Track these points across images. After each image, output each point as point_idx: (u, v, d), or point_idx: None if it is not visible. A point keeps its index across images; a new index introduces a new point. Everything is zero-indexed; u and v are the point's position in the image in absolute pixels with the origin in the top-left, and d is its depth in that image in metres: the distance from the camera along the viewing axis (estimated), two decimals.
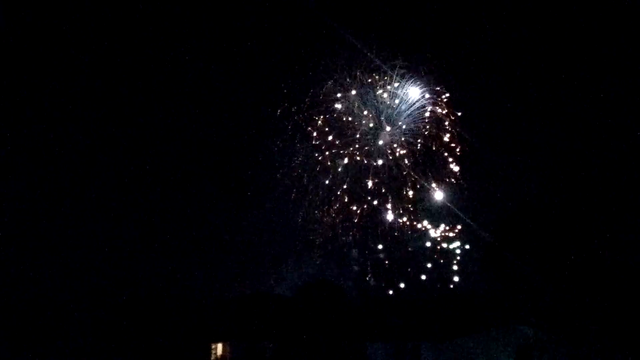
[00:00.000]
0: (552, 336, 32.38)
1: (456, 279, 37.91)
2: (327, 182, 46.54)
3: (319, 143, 46.26)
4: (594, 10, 37.26)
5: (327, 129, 46.74)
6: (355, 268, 45.34)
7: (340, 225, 46.39)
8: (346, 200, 46.93)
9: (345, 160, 47.16)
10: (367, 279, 44.46)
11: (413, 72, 44.78)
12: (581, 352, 31.54)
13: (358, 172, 47.22)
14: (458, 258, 39.83)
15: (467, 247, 38.75)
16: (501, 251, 34.94)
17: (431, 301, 36.63)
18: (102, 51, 40.12)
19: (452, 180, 42.84)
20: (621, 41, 36.65)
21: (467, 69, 41.96)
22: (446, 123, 44.53)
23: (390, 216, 44.51)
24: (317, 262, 43.54)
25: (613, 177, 33.33)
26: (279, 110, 44.56)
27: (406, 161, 45.72)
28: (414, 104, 45.42)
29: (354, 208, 46.34)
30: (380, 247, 45.01)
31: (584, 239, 32.58)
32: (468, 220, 38.45)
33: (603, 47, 37.04)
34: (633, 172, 32.83)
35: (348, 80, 45.85)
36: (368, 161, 47.23)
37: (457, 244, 40.07)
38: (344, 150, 47.10)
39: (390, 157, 46.11)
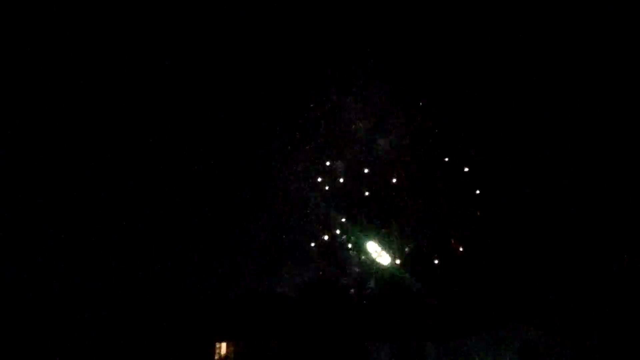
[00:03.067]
0: (556, 337, 32.46)
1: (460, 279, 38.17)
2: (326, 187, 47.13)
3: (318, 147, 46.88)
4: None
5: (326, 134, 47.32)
6: (356, 270, 45.63)
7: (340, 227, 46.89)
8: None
9: (343, 164, 47.80)
10: (368, 280, 44.76)
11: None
12: (584, 353, 31.64)
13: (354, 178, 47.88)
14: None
15: (471, 248, 39.04)
16: (505, 253, 35.17)
17: (435, 301, 36.78)
18: (108, 58, 40.41)
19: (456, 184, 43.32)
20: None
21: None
22: None
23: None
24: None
25: (619, 182, 33.60)
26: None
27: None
28: None
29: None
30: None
31: (588, 241, 32.78)
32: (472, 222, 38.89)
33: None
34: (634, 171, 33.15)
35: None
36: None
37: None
38: (342, 153, 47.66)
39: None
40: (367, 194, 46.77)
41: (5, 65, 36.94)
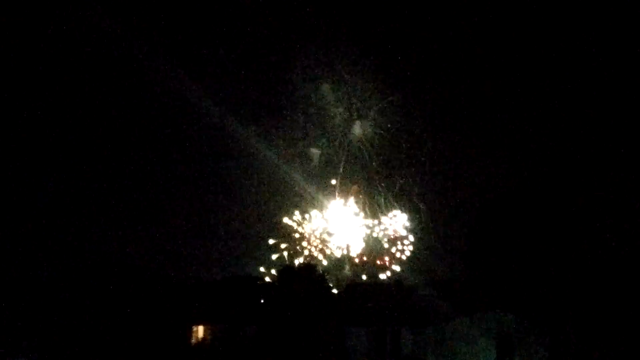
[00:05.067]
0: (533, 324, 32.90)
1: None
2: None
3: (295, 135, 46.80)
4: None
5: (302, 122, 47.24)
6: (332, 255, 45.77)
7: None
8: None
9: (319, 151, 47.77)
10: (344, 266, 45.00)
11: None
12: (560, 338, 32.17)
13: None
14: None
15: (449, 233, 39.51)
16: (482, 239, 35.51)
17: (411, 286, 37.06)
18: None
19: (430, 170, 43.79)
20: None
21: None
22: None
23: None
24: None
25: (593, 166, 34.23)
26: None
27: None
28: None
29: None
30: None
31: (564, 229, 33.30)
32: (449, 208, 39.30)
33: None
34: (609, 160, 33.79)
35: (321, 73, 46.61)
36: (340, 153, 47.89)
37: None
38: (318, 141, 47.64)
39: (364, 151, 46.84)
40: (338, 179, 47.00)
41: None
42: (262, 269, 41.82)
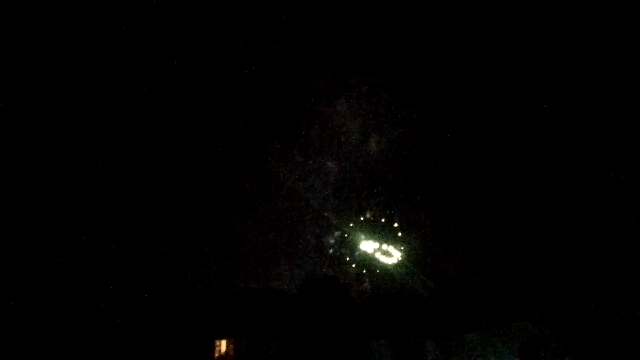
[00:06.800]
0: (556, 333, 32.74)
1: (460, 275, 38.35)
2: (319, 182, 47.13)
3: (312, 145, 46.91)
4: None
5: (319, 132, 47.39)
6: (352, 268, 45.60)
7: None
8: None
9: (335, 164, 47.92)
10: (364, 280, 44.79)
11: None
12: (585, 348, 31.95)
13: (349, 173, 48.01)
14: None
15: (470, 243, 39.20)
16: (504, 248, 35.40)
17: (434, 298, 36.89)
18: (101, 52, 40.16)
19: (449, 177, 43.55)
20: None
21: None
22: None
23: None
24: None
25: (615, 173, 33.98)
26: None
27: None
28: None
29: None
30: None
31: (587, 235, 33.14)
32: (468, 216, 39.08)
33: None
34: (634, 168, 33.54)
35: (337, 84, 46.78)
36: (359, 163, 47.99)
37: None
38: (336, 152, 47.74)
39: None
40: (356, 192, 46.97)
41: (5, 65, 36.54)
42: (282, 282, 41.79)
